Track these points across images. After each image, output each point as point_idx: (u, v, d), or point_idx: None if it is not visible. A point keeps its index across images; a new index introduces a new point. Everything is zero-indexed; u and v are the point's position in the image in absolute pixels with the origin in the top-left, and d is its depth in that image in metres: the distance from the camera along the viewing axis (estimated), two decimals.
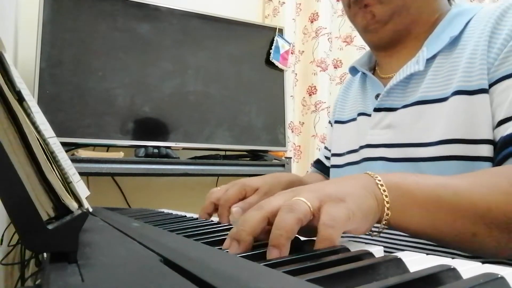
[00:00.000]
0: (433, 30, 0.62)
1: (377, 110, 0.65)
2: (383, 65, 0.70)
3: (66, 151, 1.23)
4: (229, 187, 0.63)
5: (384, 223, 0.38)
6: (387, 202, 0.37)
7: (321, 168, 0.90)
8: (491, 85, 0.52)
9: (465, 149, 0.52)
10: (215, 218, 0.65)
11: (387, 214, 0.38)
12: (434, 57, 0.60)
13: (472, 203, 0.39)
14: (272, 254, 0.30)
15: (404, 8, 0.61)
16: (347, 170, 0.72)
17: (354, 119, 0.73)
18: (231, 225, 0.54)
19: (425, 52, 0.60)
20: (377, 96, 0.66)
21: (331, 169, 0.79)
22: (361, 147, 0.67)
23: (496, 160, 0.49)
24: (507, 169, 0.45)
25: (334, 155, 0.78)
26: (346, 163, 0.72)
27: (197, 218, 0.65)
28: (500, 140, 0.49)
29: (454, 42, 0.59)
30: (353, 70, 0.77)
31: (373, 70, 0.74)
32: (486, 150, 0.51)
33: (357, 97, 0.74)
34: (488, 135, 0.51)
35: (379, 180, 0.39)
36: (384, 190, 0.38)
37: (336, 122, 0.80)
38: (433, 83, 0.58)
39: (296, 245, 0.35)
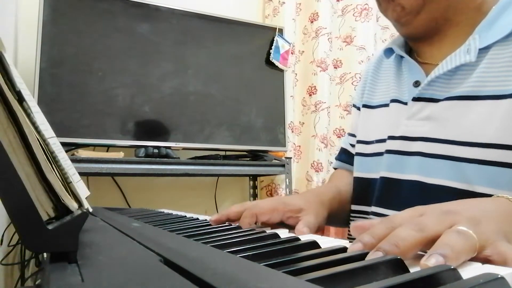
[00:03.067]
0: (483, 16, 0.55)
1: (416, 99, 0.59)
2: (421, 53, 0.65)
3: (66, 151, 1.23)
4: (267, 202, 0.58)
5: None
6: None
7: (347, 159, 0.81)
8: None
9: None
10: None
11: None
12: (487, 47, 0.53)
13: None
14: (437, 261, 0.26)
15: None
16: (374, 160, 0.67)
17: (386, 105, 0.67)
18: (230, 225, 0.54)
19: (477, 41, 0.54)
20: (416, 83, 0.61)
21: (355, 157, 0.72)
22: (392, 137, 0.62)
23: None
24: None
25: (360, 142, 0.72)
26: (374, 153, 0.67)
27: (197, 218, 0.65)
28: None
29: None
30: (388, 52, 0.70)
31: (409, 52, 0.67)
32: None
33: (391, 81, 0.68)
34: None
35: None
36: None
37: (365, 106, 0.74)
38: (486, 77, 0.52)
39: (296, 245, 0.35)
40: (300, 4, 2.11)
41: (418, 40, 0.64)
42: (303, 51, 2.10)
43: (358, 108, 0.78)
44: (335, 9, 2.12)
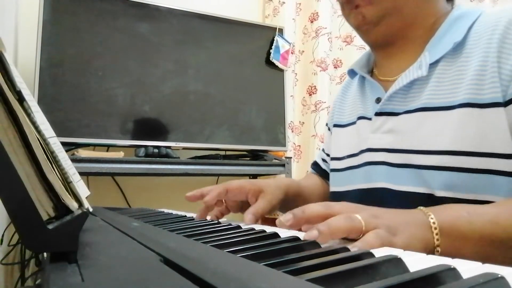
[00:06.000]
0: (434, 34, 0.61)
1: (378, 114, 0.65)
2: (382, 68, 0.70)
3: (66, 151, 1.23)
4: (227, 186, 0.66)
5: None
6: (438, 245, 0.41)
7: (318, 170, 0.90)
8: (510, 101, 0.51)
9: (475, 161, 0.51)
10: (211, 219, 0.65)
11: (437, 251, 0.41)
12: (437, 62, 0.59)
13: None
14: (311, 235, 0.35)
15: (395, 11, 0.61)
16: (347, 174, 0.72)
17: (353, 123, 0.73)
18: (230, 225, 0.54)
19: (427, 57, 0.59)
20: (377, 99, 0.66)
21: (331, 173, 0.78)
22: (362, 151, 0.67)
23: None
24: None
25: (333, 159, 0.78)
26: (347, 167, 0.72)
27: None
28: None
29: (458, 47, 0.58)
30: (352, 73, 0.77)
31: (371, 72, 0.73)
32: (499, 164, 0.50)
33: (356, 101, 0.74)
34: (504, 149, 0.50)
35: (433, 223, 0.41)
36: (436, 234, 0.41)
37: (335, 126, 0.80)
38: (437, 90, 0.58)
39: (296, 245, 0.35)
40: (300, 4, 2.10)
41: (379, 49, 0.69)
42: (303, 51, 2.10)
43: (329, 129, 0.87)
44: (335, 9, 2.12)
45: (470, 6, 0.62)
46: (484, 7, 2.43)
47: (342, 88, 0.83)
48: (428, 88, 0.59)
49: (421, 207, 0.44)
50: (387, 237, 0.36)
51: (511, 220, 0.43)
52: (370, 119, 0.67)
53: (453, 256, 0.40)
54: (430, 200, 0.54)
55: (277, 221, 0.40)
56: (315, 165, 0.92)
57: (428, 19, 0.63)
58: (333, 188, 0.76)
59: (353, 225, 0.36)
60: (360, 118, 0.71)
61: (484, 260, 0.41)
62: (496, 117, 0.51)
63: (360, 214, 0.38)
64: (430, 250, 0.41)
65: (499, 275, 0.21)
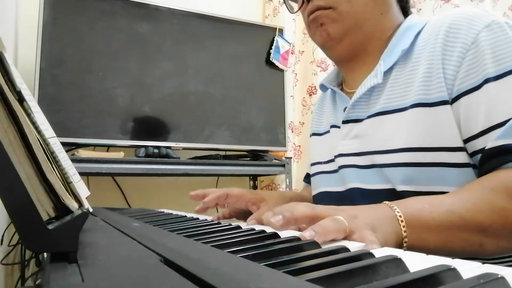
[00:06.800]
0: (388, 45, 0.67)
1: (345, 122, 0.70)
2: (348, 81, 0.76)
3: (66, 151, 1.23)
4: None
5: (404, 248, 0.45)
6: (406, 237, 0.45)
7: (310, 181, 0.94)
8: (456, 98, 0.56)
9: (428, 156, 0.56)
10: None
11: (405, 242, 0.45)
12: (390, 69, 0.65)
13: (476, 223, 0.47)
14: (306, 235, 0.37)
15: (357, 27, 0.67)
16: (325, 177, 0.76)
17: (328, 132, 0.79)
18: (230, 225, 0.54)
19: (381, 66, 0.65)
20: (345, 109, 0.71)
21: (312, 178, 0.83)
22: (336, 157, 0.72)
23: (485, 169, 0.54)
24: (499, 182, 0.50)
25: (313, 164, 0.83)
26: (324, 171, 0.77)
27: (197, 218, 0.65)
28: (488, 152, 0.53)
29: (408, 54, 0.63)
30: (323, 87, 0.83)
31: (340, 85, 0.79)
32: (449, 157, 0.55)
33: (329, 111, 0.80)
34: (452, 143, 0.55)
35: (400, 216, 0.45)
36: (404, 226, 0.45)
37: (314, 134, 0.86)
38: (392, 94, 0.63)
39: (296, 245, 0.35)
40: None
41: (342, 64, 0.75)
42: (303, 51, 2.10)
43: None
44: None
45: (419, 18, 0.69)
46: (484, 6, 2.43)
47: (319, 100, 0.90)
48: (384, 93, 0.64)
49: (386, 202, 0.48)
50: (376, 236, 0.39)
51: (465, 207, 0.48)
52: (339, 127, 0.72)
53: (417, 245, 0.44)
54: (393, 195, 0.59)
55: (265, 221, 0.43)
56: (308, 177, 0.95)
57: (386, 33, 0.69)
58: (314, 191, 0.81)
59: (340, 226, 0.39)
60: (332, 126, 0.77)
61: (444, 248, 0.46)
62: (444, 114, 0.56)
63: (341, 215, 0.40)
64: (400, 242, 0.44)
65: (499, 275, 0.21)
